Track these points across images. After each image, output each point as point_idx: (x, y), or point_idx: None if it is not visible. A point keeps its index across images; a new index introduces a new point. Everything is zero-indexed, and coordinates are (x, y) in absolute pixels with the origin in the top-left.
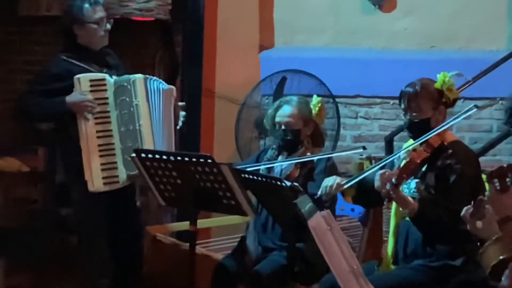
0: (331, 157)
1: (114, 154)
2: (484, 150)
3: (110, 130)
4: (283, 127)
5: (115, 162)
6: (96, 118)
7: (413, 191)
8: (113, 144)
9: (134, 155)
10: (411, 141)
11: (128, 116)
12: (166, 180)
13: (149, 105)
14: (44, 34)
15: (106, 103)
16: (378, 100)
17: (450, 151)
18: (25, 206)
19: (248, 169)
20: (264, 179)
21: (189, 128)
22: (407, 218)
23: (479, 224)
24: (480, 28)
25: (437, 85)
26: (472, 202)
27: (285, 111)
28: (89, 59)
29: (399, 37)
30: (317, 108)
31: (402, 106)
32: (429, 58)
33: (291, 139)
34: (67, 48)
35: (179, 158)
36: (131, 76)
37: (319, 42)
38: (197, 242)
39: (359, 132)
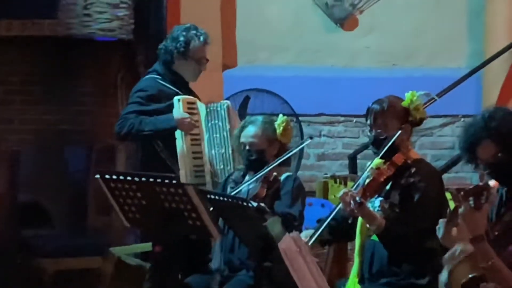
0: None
1: (204, 176)
2: (447, 168)
3: (201, 152)
4: (247, 147)
5: (204, 184)
6: (191, 139)
7: (377, 210)
8: (203, 166)
9: (98, 176)
10: (376, 160)
11: (219, 140)
12: (131, 201)
13: (232, 130)
14: (4, 54)
15: (198, 126)
16: (341, 118)
17: (414, 169)
18: None
19: None
20: (230, 200)
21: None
22: (373, 237)
23: (454, 231)
24: (440, 46)
25: (405, 103)
26: (448, 211)
27: (249, 132)
28: (178, 84)
29: (361, 55)
30: (281, 128)
31: (368, 122)
32: (391, 76)
33: (255, 159)
34: (159, 69)
35: (143, 179)
36: (222, 102)
37: (282, 61)
38: None
39: (323, 151)
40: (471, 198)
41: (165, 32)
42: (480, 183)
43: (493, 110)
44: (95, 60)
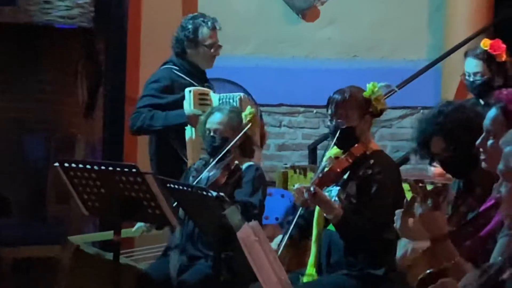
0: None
1: None
2: (406, 159)
3: None
4: (212, 133)
5: None
6: None
7: (334, 199)
8: None
9: (57, 164)
10: (334, 148)
11: None
12: (90, 189)
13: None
14: None
15: None
16: (301, 109)
17: (372, 161)
18: None
19: None
20: (189, 189)
21: (112, 136)
22: (329, 227)
23: (410, 221)
24: (401, 38)
25: (366, 94)
26: (405, 201)
27: (215, 118)
28: (193, 74)
29: (322, 46)
30: (247, 119)
31: (329, 112)
32: (352, 67)
33: (218, 146)
34: (175, 59)
35: (103, 167)
36: (235, 93)
37: (243, 51)
38: (120, 252)
39: (283, 141)
40: (429, 199)
41: (126, 20)
42: (439, 184)
43: (443, 104)
44: (55, 48)
